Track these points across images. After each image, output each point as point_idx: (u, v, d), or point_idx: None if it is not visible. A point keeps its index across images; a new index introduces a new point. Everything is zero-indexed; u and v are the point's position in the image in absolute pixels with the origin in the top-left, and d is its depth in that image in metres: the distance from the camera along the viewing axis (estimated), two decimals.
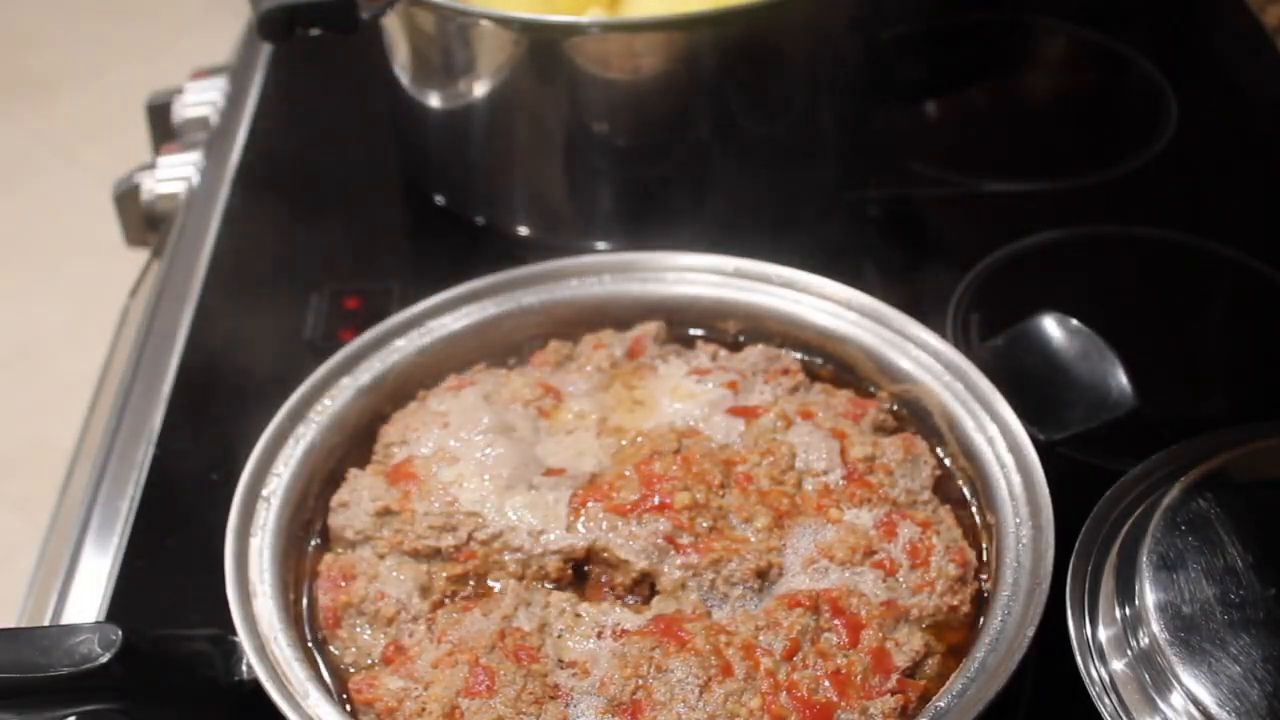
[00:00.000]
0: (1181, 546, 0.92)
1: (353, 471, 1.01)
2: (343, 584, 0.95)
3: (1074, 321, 1.07)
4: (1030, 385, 1.03)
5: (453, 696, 0.86)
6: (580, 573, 0.96)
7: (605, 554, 0.94)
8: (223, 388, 1.27)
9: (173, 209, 1.53)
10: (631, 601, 0.94)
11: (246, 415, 1.04)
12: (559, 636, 0.90)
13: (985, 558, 0.96)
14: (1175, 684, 0.86)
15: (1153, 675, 0.87)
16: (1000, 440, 0.98)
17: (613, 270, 1.14)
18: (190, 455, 1.19)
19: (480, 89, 1.28)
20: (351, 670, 0.92)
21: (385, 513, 0.97)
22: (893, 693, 0.86)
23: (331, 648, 0.94)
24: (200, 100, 1.65)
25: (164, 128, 1.68)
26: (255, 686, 0.86)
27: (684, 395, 1.05)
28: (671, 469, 0.97)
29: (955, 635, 0.92)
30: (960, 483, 1.02)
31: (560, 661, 0.88)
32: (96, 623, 0.84)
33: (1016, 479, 0.96)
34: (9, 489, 2.59)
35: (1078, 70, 1.65)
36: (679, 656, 0.86)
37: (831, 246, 1.26)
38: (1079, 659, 0.91)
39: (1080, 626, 0.93)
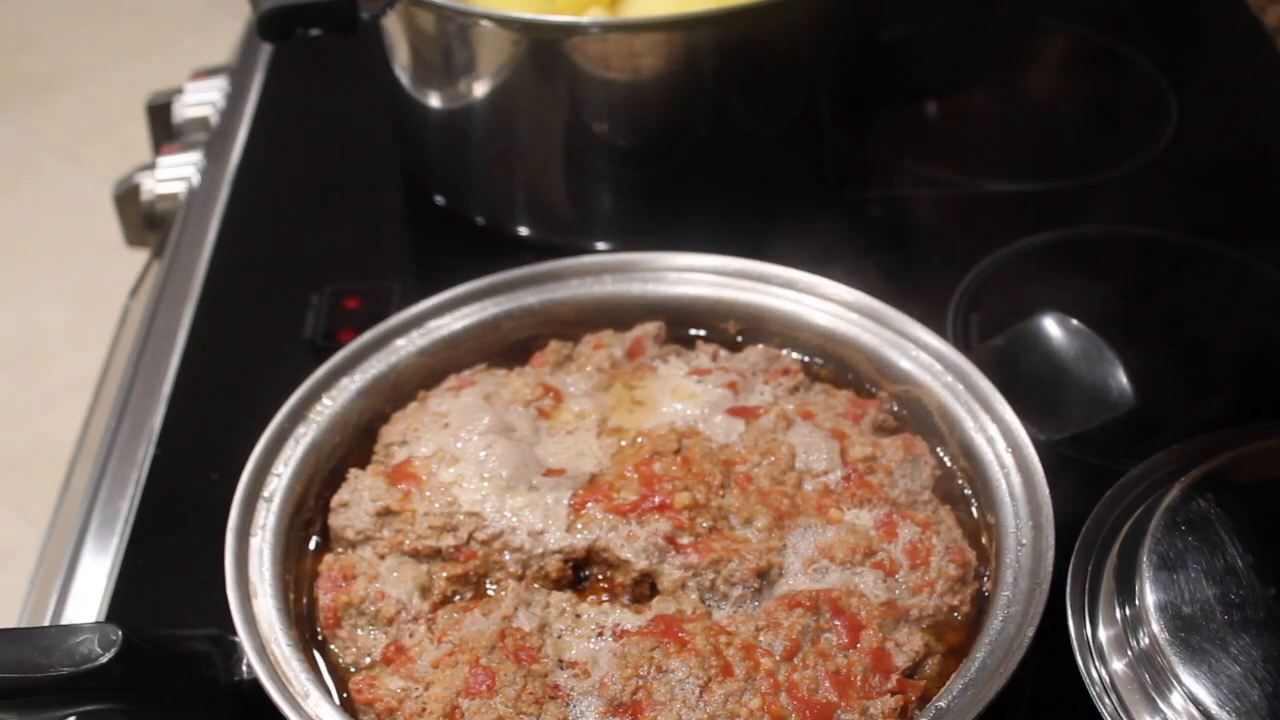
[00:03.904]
0: (1181, 546, 0.92)
1: (353, 471, 1.01)
2: (343, 584, 0.95)
3: (1074, 321, 1.07)
4: (1030, 385, 1.03)
5: (453, 697, 0.86)
6: (580, 573, 0.96)
7: (605, 554, 0.94)
8: (223, 388, 1.27)
9: (173, 209, 1.53)
10: (631, 602, 0.94)
11: (246, 415, 1.04)
12: (559, 637, 0.90)
13: (985, 558, 0.96)
14: (1175, 684, 0.86)
15: (1153, 675, 0.87)
16: (1000, 440, 0.98)
17: (613, 270, 1.14)
18: (190, 455, 1.19)
19: (480, 89, 1.28)
20: (352, 670, 0.92)
21: (386, 513, 0.97)
22: (893, 693, 0.86)
23: (332, 648, 0.94)
24: (200, 100, 1.65)
25: (164, 128, 1.68)
26: (255, 686, 0.86)
27: (684, 395, 1.05)
28: (672, 469, 0.97)
29: (955, 635, 0.92)
30: (960, 483, 1.02)
31: (560, 662, 0.88)
32: (96, 623, 0.84)
33: (1016, 479, 0.96)
34: (9, 489, 2.59)
35: (1078, 70, 1.65)
36: (679, 657, 0.86)
37: (832, 246, 1.26)
38: (1079, 659, 0.91)
39: (1080, 626, 0.93)
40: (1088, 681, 0.90)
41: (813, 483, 0.99)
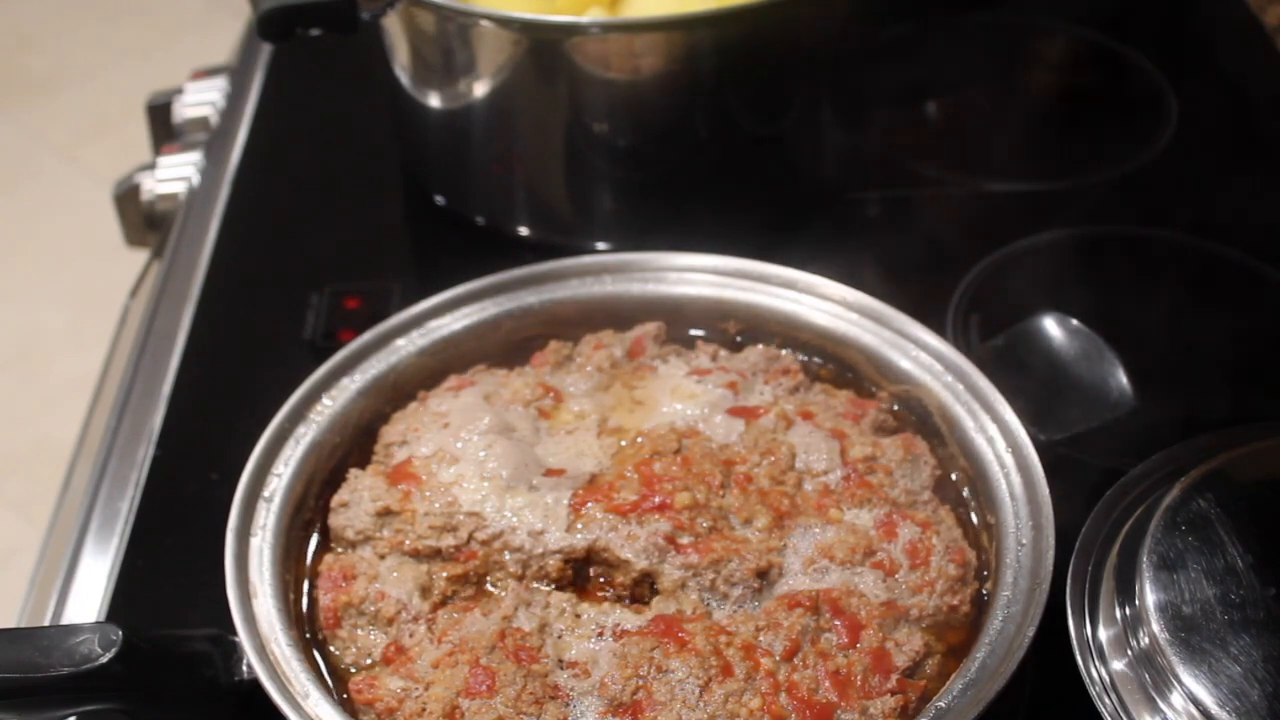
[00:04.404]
0: (1181, 546, 0.92)
1: (353, 471, 1.01)
2: (343, 584, 0.95)
3: (1074, 321, 1.07)
4: (1030, 385, 1.03)
5: (453, 697, 0.86)
6: (580, 573, 0.96)
7: (605, 554, 0.94)
8: (223, 388, 1.27)
9: (173, 209, 1.53)
10: (631, 602, 0.94)
11: (246, 415, 1.04)
12: (559, 637, 0.90)
13: (985, 558, 0.96)
14: (1175, 684, 0.86)
15: (1153, 675, 0.87)
16: (1000, 440, 0.98)
17: (613, 270, 1.14)
18: (190, 455, 1.19)
19: (480, 89, 1.28)
20: (352, 670, 0.92)
21: (386, 513, 0.97)
22: (893, 693, 0.86)
23: (331, 648, 0.94)
24: (200, 100, 1.65)
25: (164, 128, 1.68)
26: (255, 686, 0.86)
27: (684, 395, 1.05)
28: (672, 469, 0.97)
29: (955, 635, 0.92)
30: (960, 483, 1.02)
31: (560, 662, 0.88)
32: (96, 623, 0.84)
33: (1016, 479, 0.96)
34: (9, 489, 2.59)
35: (1078, 70, 1.65)
36: (679, 657, 0.86)
37: (832, 246, 1.26)
38: (1079, 659, 0.91)
39: (1080, 626, 0.93)
40: (1088, 681, 0.90)
41: (813, 483, 0.99)
